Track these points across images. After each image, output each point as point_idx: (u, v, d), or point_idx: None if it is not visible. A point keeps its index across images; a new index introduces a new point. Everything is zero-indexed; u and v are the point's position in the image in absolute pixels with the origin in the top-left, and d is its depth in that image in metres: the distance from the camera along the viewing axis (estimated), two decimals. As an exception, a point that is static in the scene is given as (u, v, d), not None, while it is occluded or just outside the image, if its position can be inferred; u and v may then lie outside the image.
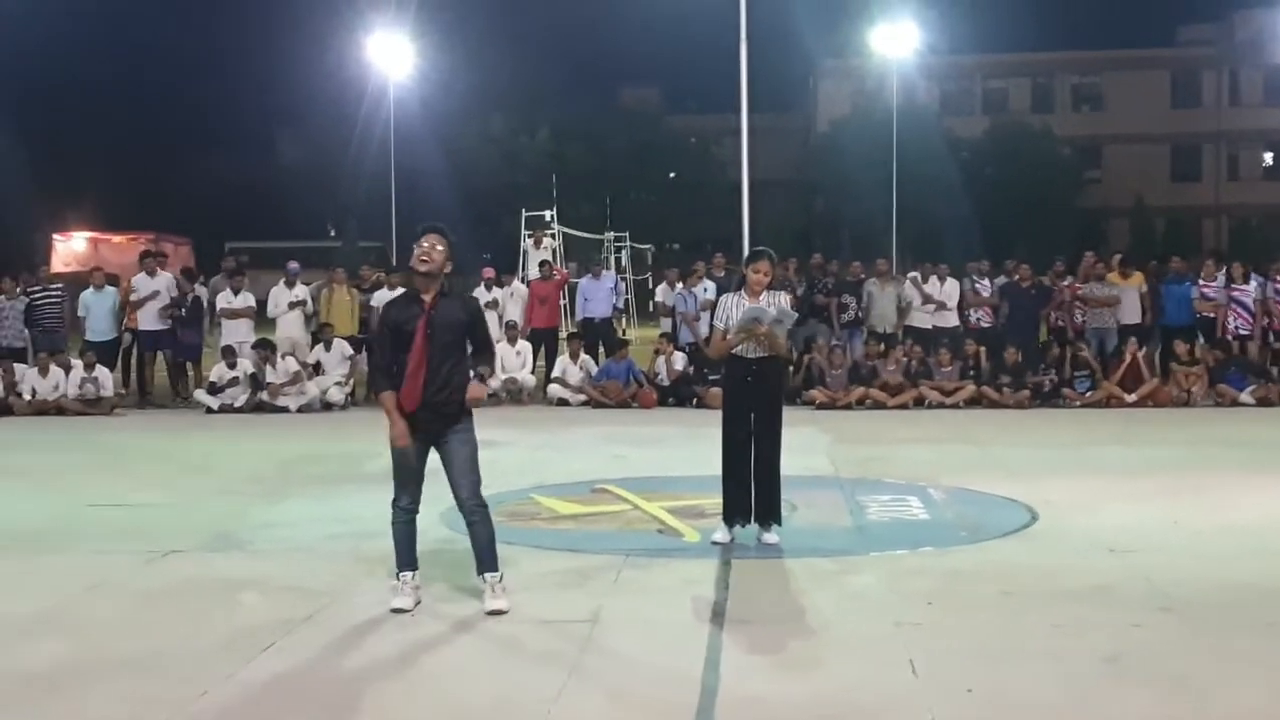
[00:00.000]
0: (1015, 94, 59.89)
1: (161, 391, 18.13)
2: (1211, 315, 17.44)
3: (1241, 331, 17.29)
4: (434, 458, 6.68)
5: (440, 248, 6.60)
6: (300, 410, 16.61)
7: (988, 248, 31.68)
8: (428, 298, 6.58)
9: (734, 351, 8.06)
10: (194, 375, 18.04)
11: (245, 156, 56.23)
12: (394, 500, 6.71)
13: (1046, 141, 53.70)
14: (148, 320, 17.73)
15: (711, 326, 8.20)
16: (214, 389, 16.85)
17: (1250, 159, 60.50)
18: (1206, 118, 58.78)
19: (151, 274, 17.89)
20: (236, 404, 16.68)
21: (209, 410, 16.62)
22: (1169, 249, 26.76)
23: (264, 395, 16.72)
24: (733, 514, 8.19)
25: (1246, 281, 17.52)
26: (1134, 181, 54.92)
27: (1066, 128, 56.11)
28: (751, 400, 8.09)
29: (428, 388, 6.50)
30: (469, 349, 6.72)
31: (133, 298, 17.77)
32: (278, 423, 15.86)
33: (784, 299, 8.23)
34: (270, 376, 16.81)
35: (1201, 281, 17.65)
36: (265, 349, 17.07)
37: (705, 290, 17.99)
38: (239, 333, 17.65)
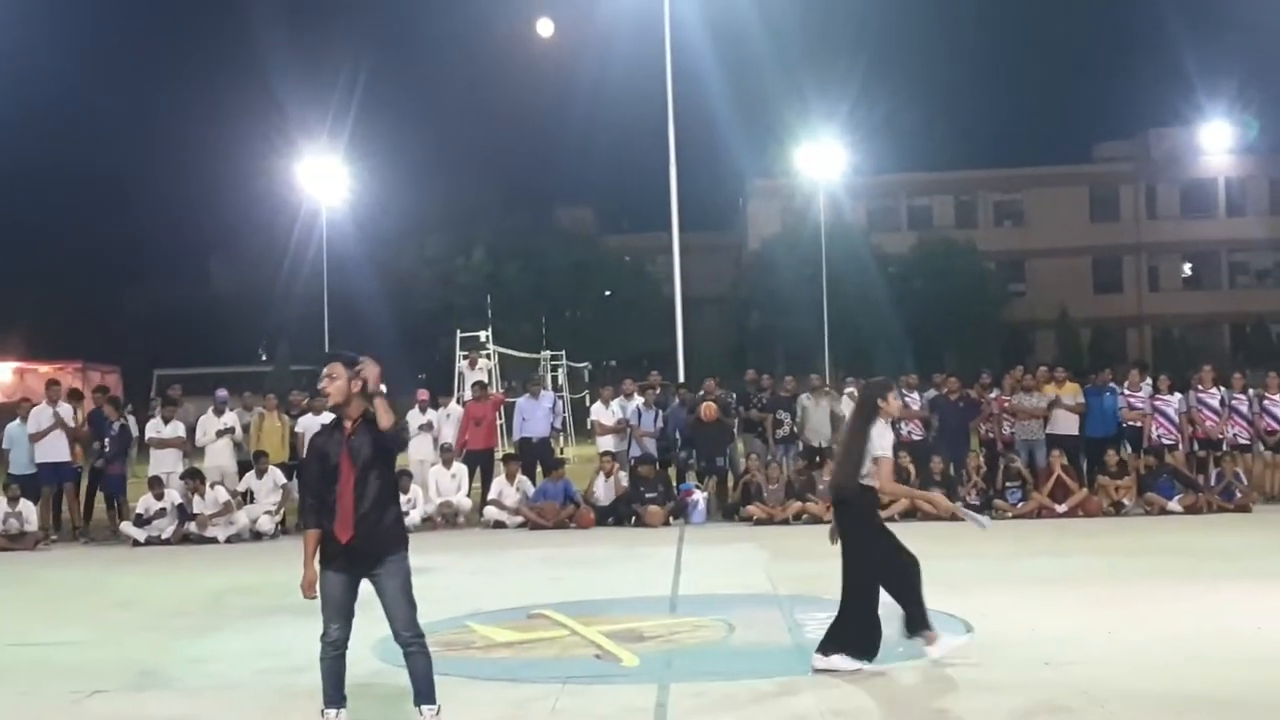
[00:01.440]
0: (939, 210, 61.17)
1: (98, 525, 17.71)
2: (1138, 425, 17.72)
3: (1165, 441, 17.55)
4: (366, 589, 6.57)
5: (336, 378, 6.51)
6: (229, 540, 16.34)
7: (917, 361, 32.17)
8: (348, 424, 6.52)
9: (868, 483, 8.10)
10: (120, 507, 17.70)
11: (176, 282, 56.07)
12: (322, 634, 6.56)
13: (971, 256, 54.80)
14: (46, 452, 17.16)
15: (879, 458, 8.16)
16: (141, 521, 16.54)
17: (1170, 270, 61.99)
18: (1125, 231, 60.28)
19: (53, 403, 17.49)
20: (164, 535, 16.38)
21: (136, 543, 16.29)
22: (1094, 359, 27.27)
23: (192, 526, 16.45)
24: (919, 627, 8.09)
25: (1170, 393, 17.85)
26: (1057, 294, 56.02)
27: (990, 243, 57.33)
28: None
29: (358, 515, 6.40)
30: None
31: (30, 430, 17.24)
32: (206, 554, 15.57)
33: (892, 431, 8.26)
34: (199, 507, 16.55)
35: (1127, 391, 17.96)
36: (194, 479, 16.82)
37: (630, 407, 18.35)
38: (167, 463, 17.41)
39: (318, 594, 6.45)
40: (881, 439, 8.14)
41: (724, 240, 63.56)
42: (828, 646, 7.97)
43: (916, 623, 8.08)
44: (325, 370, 6.55)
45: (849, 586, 8.13)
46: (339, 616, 6.50)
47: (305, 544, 6.53)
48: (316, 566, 6.47)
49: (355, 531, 6.39)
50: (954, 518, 8.09)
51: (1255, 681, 7.41)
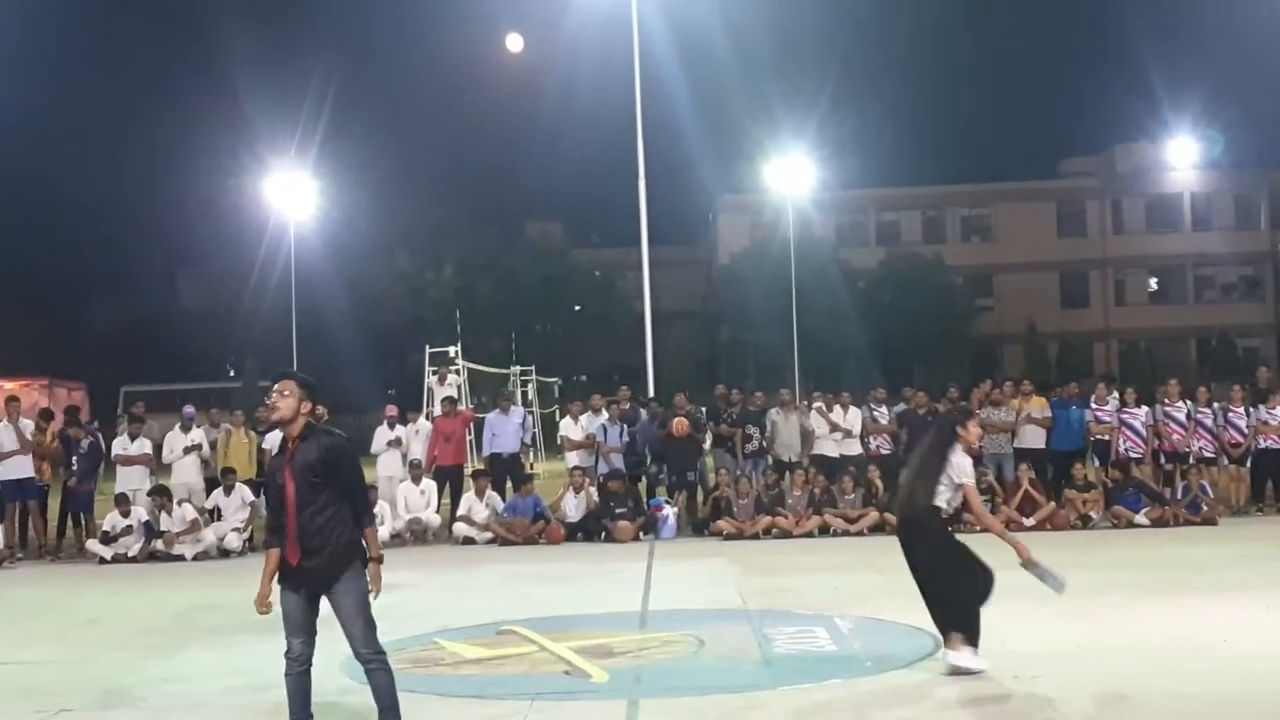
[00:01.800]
0: (907, 226, 61.44)
1: (65, 543, 17.53)
2: (1105, 438, 17.84)
3: (1132, 454, 17.67)
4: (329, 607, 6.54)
5: (289, 395, 6.50)
6: (196, 558, 16.24)
7: (886, 375, 32.27)
8: (291, 445, 6.51)
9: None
10: (87, 525, 17.55)
11: (143, 299, 55.72)
12: (285, 651, 6.53)
13: (939, 271, 55.04)
14: (8, 469, 16.81)
15: (964, 485, 8.28)
16: (107, 538, 16.42)
17: (1136, 284, 62.42)
18: (1092, 246, 60.68)
19: (13, 420, 17.25)
20: (131, 553, 16.26)
21: (102, 560, 16.17)
22: (1061, 373, 27.41)
23: (159, 544, 16.33)
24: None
25: (1137, 406, 17.98)
26: (1025, 308, 56.32)
27: (958, 257, 57.60)
28: None
29: (302, 536, 6.37)
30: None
31: None
32: (173, 572, 15.46)
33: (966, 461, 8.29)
34: (166, 524, 16.44)
35: (1094, 405, 18.08)
36: (161, 496, 16.71)
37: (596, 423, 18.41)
38: (134, 480, 17.29)
39: (270, 609, 6.44)
40: (962, 466, 8.26)
41: (694, 255, 63.70)
42: (954, 641, 8.05)
43: (951, 624, 8.13)
44: (278, 386, 6.55)
45: (948, 589, 8.17)
46: (300, 633, 6.47)
47: (267, 561, 6.53)
48: (275, 586, 6.47)
49: (301, 554, 6.36)
50: (1025, 565, 8.13)
51: (1222, 693, 7.46)
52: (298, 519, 6.37)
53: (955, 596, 8.15)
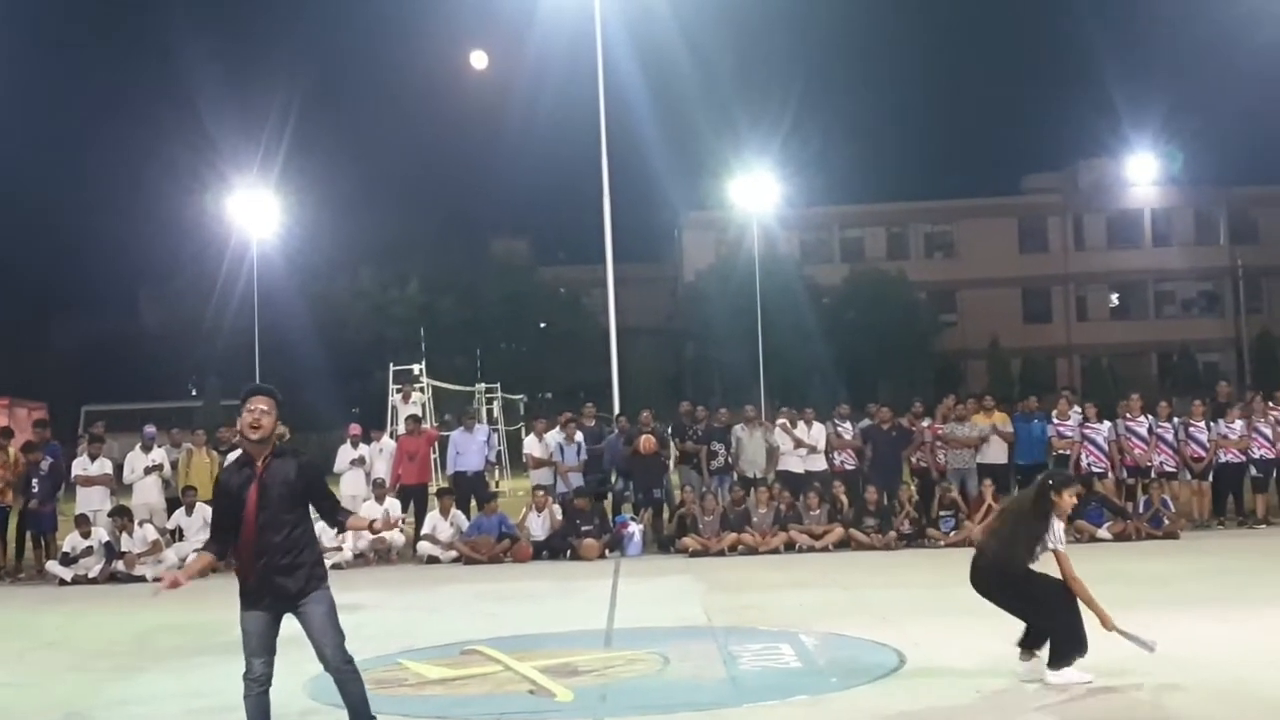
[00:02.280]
0: (871, 242, 61.74)
1: (25, 564, 17.33)
2: (1067, 453, 17.93)
3: (1094, 469, 17.78)
4: (293, 627, 6.49)
5: (269, 411, 6.46)
6: (158, 579, 16.05)
7: (850, 391, 32.39)
8: (259, 462, 6.44)
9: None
10: (47, 546, 17.35)
11: (104, 318, 55.29)
12: (245, 672, 6.47)
13: (903, 287, 55.35)
14: None
15: (1059, 553, 8.27)
16: (67, 560, 16.25)
17: (1097, 300, 62.94)
18: (1054, 261, 61.15)
19: None
20: (91, 574, 16.10)
21: (62, 582, 16.00)
22: (1025, 388, 27.58)
23: (120, 565, 16.17)
24: None
25: (1100, 421, 18.11)
26: (988, 324, 56.69)
27: (921, 273, 57.95)
28: None
29: (261, 557, 6.32)
30: (312, 511, 6.56)
31: None
32: (134, 593, 15.28)
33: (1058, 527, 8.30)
34: (126, 545, 16.28)
35: (1056, 420, 18.19)
36: (122, 516, 16.55)
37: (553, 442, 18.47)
38: (94, 501, 17.12)
39: (176, 584, 6.47)
40: (1057, 531, 8.27)
41: (659, 272, 63.78)
42: (1056, 662, 8.06)
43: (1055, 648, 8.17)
44: (256, 404, 6.45)
45: (1042, 607, 8.22)
46: (262, 653, 6.43)
47: (195, 561, 6.66)
48: (187, 582, 6.55)
49: (259, 570, 6.32)
50: (1108, 629, 8.16)
51: (1184, 707, 7.50)
52: (267, 538, 6.31)
53: (1052, 622, 8.18)
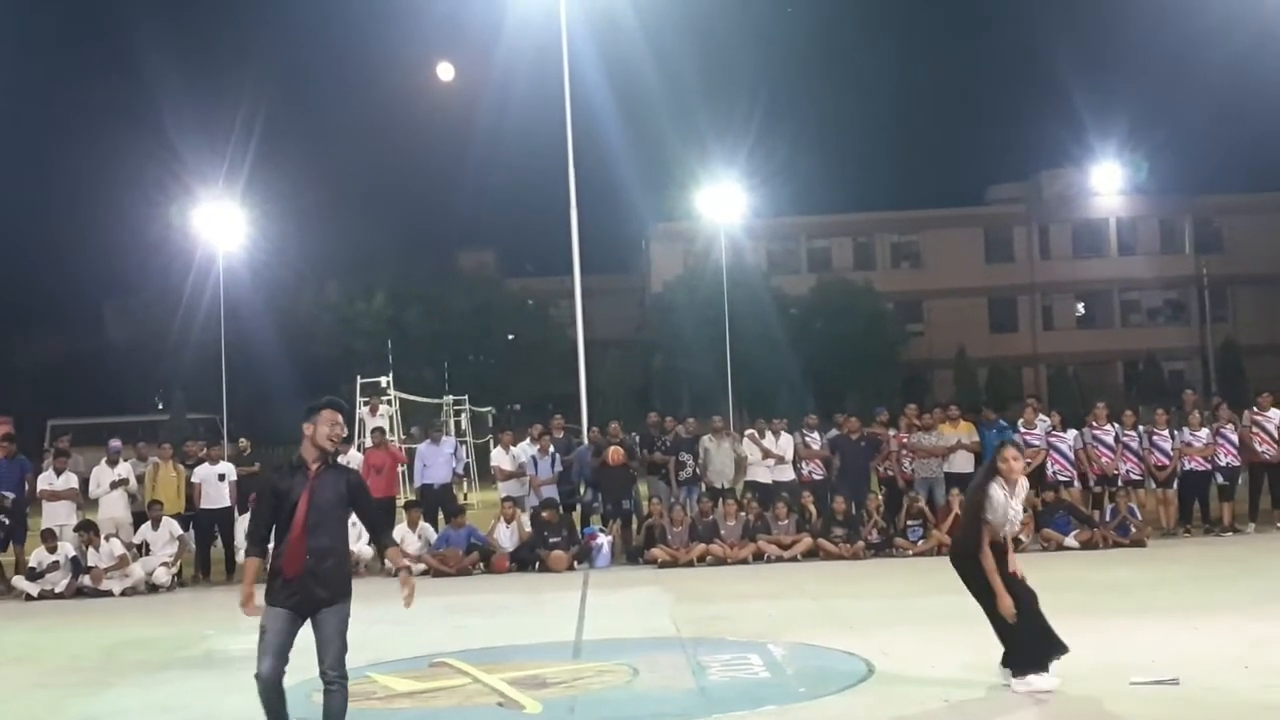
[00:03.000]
0: (838, 252, 61.92)
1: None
2: (1032, 461, 17.98)
3: (1060, 478, 17.88)
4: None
5: (343, 424, 6.90)
6: (124, 593, 15.97)
7: (818, 401, 32.48)
8: (313, 468, 6.72)
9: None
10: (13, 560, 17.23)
11: (69, 331, 54.86)
12: (256, 673, 6.60)
13: (870, 297, 55.51)
14: None
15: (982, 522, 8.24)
16: (33, 575, 16.12)
17: (1063, 309, 63.29)
18: (1020, 271, 61.49)
19: None
20: (57, 589, 15.97)
21: (29, 597, 15.88)
22: (991, 398, 27.71)
23: (86, 579, 16.05)
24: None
25: (1065, 429, 18.22)
26: (955, 333, 56.92)
27: (888, 283, 58.12)
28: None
29: (305, 557, 6.58)
30: (350, 523, 6.94)
31: None
32: (101, 608, 15.19)
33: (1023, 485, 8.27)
34: (93, 559, 16.16)
35: (1023, 429, 18.27)
36: (88, 531, 16.42)
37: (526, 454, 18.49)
38: (60, 515, 16.99)
39: (258, 611, 6.62)
40: (996, 501, 8.26)
41: (626, 283, 63.77)
42: (1017, 670, 8.12)
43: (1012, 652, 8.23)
44: (336, 417, 6.86)
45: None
46: (279, 655, 6.61)
47: (247, 568, 6.75)
48: (260, 598, 6.66)
49: (303, 569, 6.57)
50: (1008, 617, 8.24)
51: (1152, 714, 7.56)
52: (313, 540, 6.61)
53: (1010, 627, 8.21)
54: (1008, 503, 8.29)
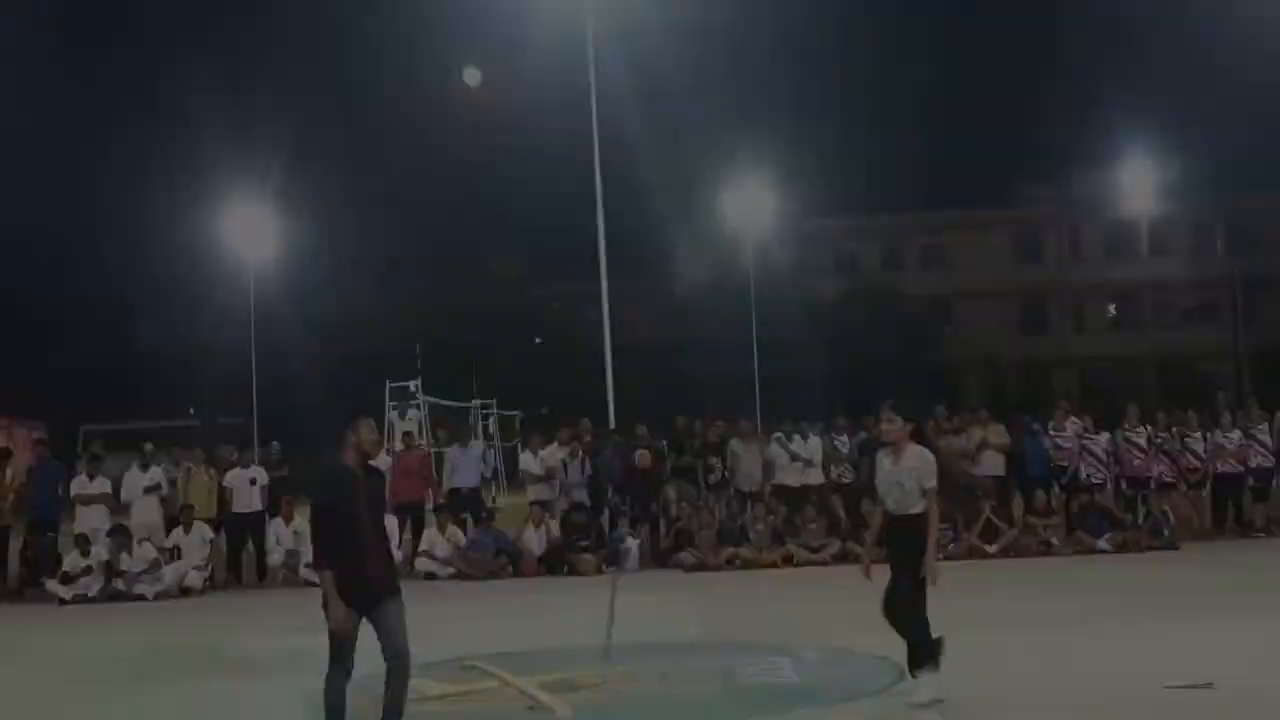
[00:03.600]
0: (866, 255, 61.72)
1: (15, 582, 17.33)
2: (1065, 464, 17.90)
3: (1094, 480, 17.76)
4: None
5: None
6: (157, 597, 16.06)
7: (847, 405, 32.34)
8: (360, 473, 7.04)
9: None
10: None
11: (101, 336, 55.22)
12: (330, 672, 6.94)
13: (898, 300, 55.33)
14: None
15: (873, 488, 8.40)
16: (67, 579, 16.23)
17: (1095, 311, 62.91)
18: (1050, 272, 61.16)
19: None
20: (91, 593, 16.07)
21: (62, 601, 15.98)
22: (1023, 400, 27.52)
23: (119, 584, 16.15)
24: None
25: (1098, 431, 18.10)
26: (985, 336, 56.67)
27: (917, 286, 57.89)
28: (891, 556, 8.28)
29: (364, 554, 6.89)
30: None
31: None
32: (134, 612, 15.28)
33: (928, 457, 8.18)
34: (126, 564, 16.26)
35: (1054, 430, 18.16)
36: (121, 535, 16.53)
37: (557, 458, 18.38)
38: (93, 520, 17.10)
39: (349, 614, 6.89)
40: (884, 468, 8.27)
41: (654, 287, 63.73)
42: (911, 669, 8.12)
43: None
44: (373, 423, 7.24)
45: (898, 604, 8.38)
46: (351, 652, 6.99)
47: (324, 584, 6.90)
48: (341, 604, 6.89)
49: (366, 570, 6.91)
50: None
51: (1191, 717, 7.50)
52: (369, 539, 6.95)
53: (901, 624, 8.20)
54: (891, 470, 8.20)
